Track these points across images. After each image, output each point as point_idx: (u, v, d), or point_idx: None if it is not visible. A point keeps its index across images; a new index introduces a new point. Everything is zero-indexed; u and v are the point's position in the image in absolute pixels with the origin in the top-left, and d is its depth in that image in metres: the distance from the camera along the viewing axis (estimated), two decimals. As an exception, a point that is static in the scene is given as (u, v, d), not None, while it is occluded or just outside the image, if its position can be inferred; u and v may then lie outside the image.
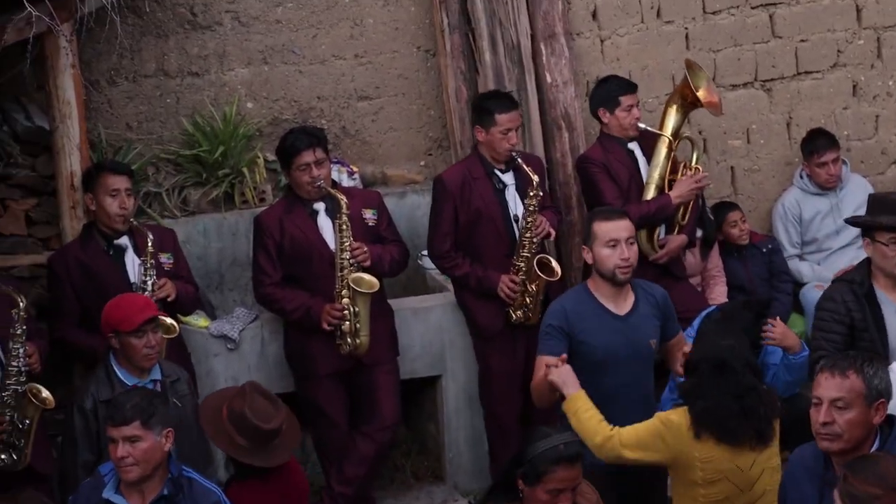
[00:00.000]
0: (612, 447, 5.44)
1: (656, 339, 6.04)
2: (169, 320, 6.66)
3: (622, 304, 6.00)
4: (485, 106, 7.27)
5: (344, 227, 6.94)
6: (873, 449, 4.59)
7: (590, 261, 6.02)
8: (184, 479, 5.33)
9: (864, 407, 4.57)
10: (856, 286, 6.31)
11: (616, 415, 5.62)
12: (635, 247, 6.04)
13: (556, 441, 5.06)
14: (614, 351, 5.87)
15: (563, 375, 5.65)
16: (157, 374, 6.15)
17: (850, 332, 6.24)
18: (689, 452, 5.39)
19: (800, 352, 5.96)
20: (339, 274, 6.94)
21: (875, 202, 6.52)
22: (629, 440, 5.43)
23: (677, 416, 5.42)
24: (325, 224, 7.05)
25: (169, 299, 6.77)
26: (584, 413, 5.54)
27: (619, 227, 5.97)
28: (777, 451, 5.54)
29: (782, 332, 6.02)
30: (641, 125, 7.57)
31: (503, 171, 7.32)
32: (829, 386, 4.59)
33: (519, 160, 7.22)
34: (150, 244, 6.74)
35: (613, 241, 5.93)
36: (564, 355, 5.76)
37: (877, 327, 6.23)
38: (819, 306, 6.43)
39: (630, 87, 7.62)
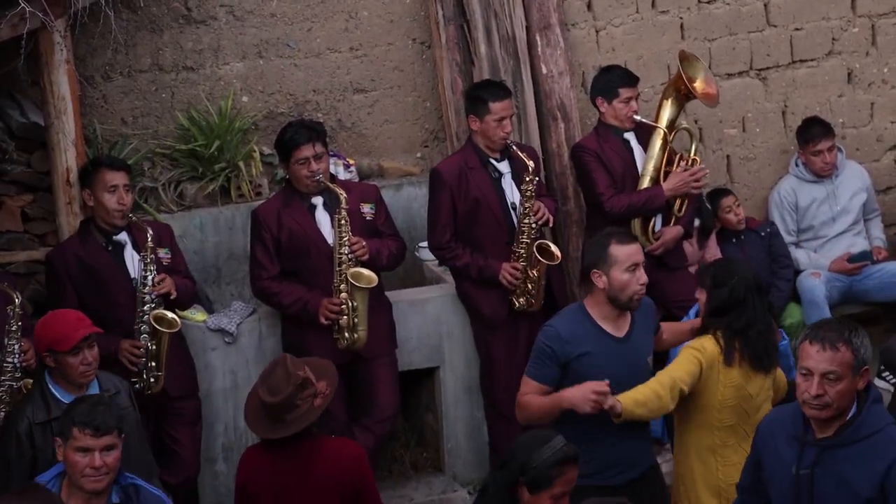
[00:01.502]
0: (675, 393, 5.63)
1: (651, 356, 5.96)
2: (170, 314, 6.68)
3: (622, 326, 5.78)
4: (478, 95, 7.28)
5: (343, 221, 6.94)
6: (851, 414, 4.68)
7: (601, 285, 5.68)
8: (131, 487, 5.23)
9: (851, 377, 4.66)
10: None
11: (614, 434, 5.63)
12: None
13: (558, 443, 5.02)
14: (614, 374, 5.63)
15: (610, 400, 5.55)
16: (94, 389, 5.91)
17: None
18: (716, 377, 5.70)
19: (779, 341, 6.00)
20: (338, 269, 6.95)
21: None
22: (682, 376, 5.65)
23: (710, 344, 5.74)
24: (322, 218, 7.06)
25: (171, 297, 6.77)
26: (641, 405, 5.58)
27: (638, 251, 5.74)
28: (772, 380, 5.85)
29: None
30: (637, 117, 7.57)
31: (499, 160, 7.33)
32: (820, 359, 4.63)
33: (514, 147, 7.24)
34: (149, 240, 6.74)
35: (634, 265, 5.69)
36: (607, 381, 5.60)
37: None
38: None
39: (631, 80, 7.62)
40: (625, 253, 5.68)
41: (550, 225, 7.37)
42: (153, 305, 6.72)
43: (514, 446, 5.10)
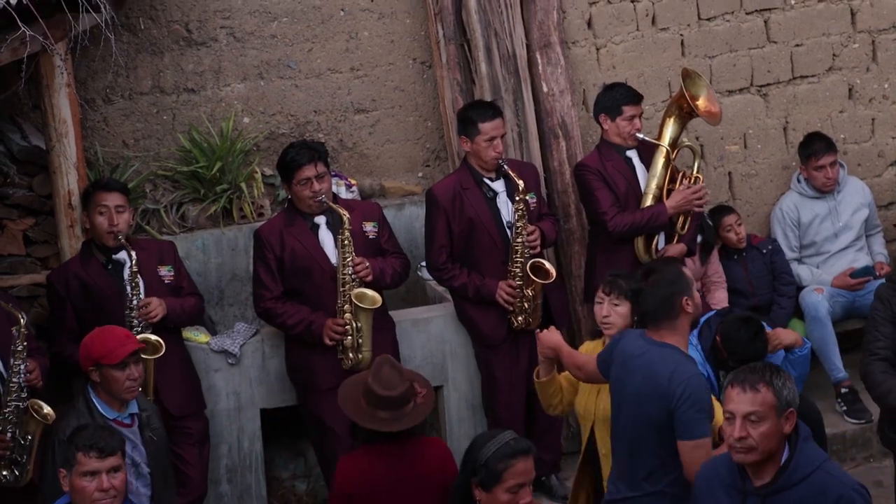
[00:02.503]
0: None
1: None
2: (154, 338, 6.64)
3: None
4: (468, 116, 7.30)
5: (346, 242, 6.94)
6: (784, 458, 4.66)
7: (690, 309, 5.48)
8: None
9: (775, 419, 4.64)
10: None
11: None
12: None
13: (504, 438, 5.03)
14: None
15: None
16: (134, 408, 6.07)
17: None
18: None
19: (802, 346, 5.99)
20: (342, 289, 6.94)
21: None
22: None
23: None
24: (326, 238, 7.06)
25: (155, 320, 6.74)
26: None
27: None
28: None
29: (782, 336, 6.05)
30: (640, 135, 7.57)
31: (493, 180, 7.34)
32: (741, 401, 4.65)
33: (506, 167, 7.24)
34: (133, 263, 6.73)
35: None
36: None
37: None
38: (871, 306, 6.46)
39: (635, 98, 7.61)
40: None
41: (538, 250, 7.34)
42: (139, 330, 6.71)
43: (467, 449, 5.13)
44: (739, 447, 4.64)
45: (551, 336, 5.85)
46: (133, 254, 6.73)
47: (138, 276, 6.75)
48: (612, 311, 5.95)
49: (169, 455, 6.23)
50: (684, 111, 7.59)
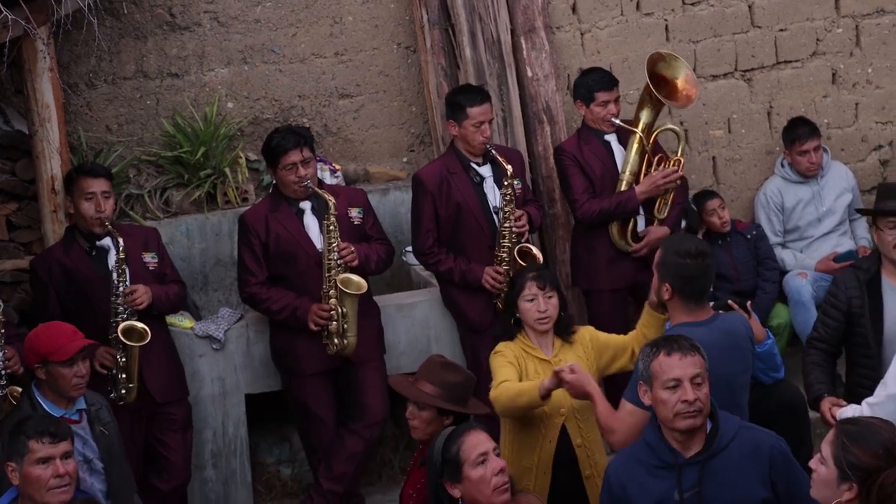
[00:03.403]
0: None
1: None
2: (140, 325, 6.62)
3: None
4: (456, 100, 7.29)
5: (332, 227, 6.93)
6: (709, 425, 4.73)
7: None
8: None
9: (707, 381, 4.74)
10: (860, 272, 6.33)
11: None
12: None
13: (446, 431, 4.95)
14: None
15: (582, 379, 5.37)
16: (81, 404, 5.88)
17: (846, 319, 6.27)
18: None
19: (764, 340, 5.98)
20: (327, 274, 6.94)
21: (882, 190, 6.59)
22: None
23: None
24: (311, 223, 7.05)
25: (141, 307, 6.72)
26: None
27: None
28: None
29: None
30: (616, 121, 7.57)
31: (480, 165, 7.33)
32: (685, 365, 4.71)
33: (493, 152, 7.24)
34: (120, 250, 6.71)
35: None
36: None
37: (873, 315, 6.23)
38: (827, 290, 6.50)
39: (608, 84, 7.61)
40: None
41: (526, 235, 7.35)
42: (125, 317, 6.69)
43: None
44: (691, 411, 4.67)
45: (583, 379, 5.39)
46: (120, 240, 6.70)
47: (125, 262, 6.73)
48: (549, 305, 5.88)
49: (123, 449, 6.07)
50: (653, 98, 7.61)
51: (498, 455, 4.87)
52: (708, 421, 4.76)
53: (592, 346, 5.94)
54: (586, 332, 6.02)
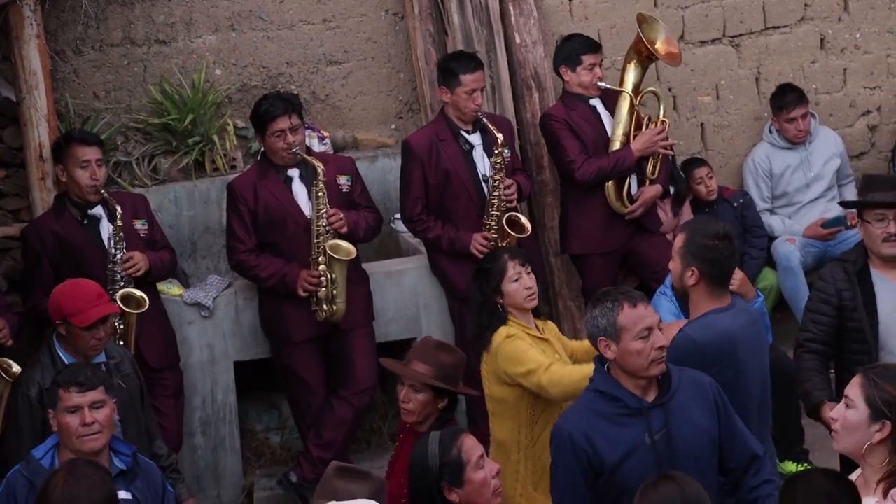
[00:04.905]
0: None
1: None
2: (138, 293, 6.63)
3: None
4: (449, 67, 7.27)
5: (321, 193, 6.93)
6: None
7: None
8: (132, 456, 5.23)
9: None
10: (848, 265, 6.10)
11: None
12: None
13: (435, 437, 4.76)
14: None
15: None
16: (101, 357, 5.95)
17: (838, 314, 6.05)
18: None
19: (754, 298, 5.99)
20: (316, 241, 6.94)
21: (867, 181, 6.36)
22: None
23: None
24: (299, 190, 7.04)
25: (138, 274, 6.73)
26: None
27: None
28: None
29: (740, 279, 6.06)
30: (602, 84, 7.57)
31: (470, 132, 7.33)
32: (649, 313, 4.82)
33: (484, 119, 7.23)
34: (118, 217, 6.70)
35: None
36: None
37: (867, 308, 6.03)
38: (812, 286, 6.34)
39: (593, 47, 7.62)
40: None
41: (514, 204, 7.33)
42: (122, 284, 6.69)
43: (410, 469, 4.81)
44: (661, 357, 4.80)
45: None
46: (118, 208, 6.70)
47: (121, 230, 6.72)
48: (532, 280, 5.86)
49: (147, 399, 6.14)
50: (643, 56, 7.61)
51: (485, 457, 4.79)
52: None
53: (558, 338, 5.98)
54: (552, 325, 6.07)
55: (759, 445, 4.99)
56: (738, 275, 6.07)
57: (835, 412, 4.36)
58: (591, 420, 4.81)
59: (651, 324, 4.80)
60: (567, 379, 5.52)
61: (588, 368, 5.21)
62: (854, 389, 4.30)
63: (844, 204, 7.62)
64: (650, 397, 4.83)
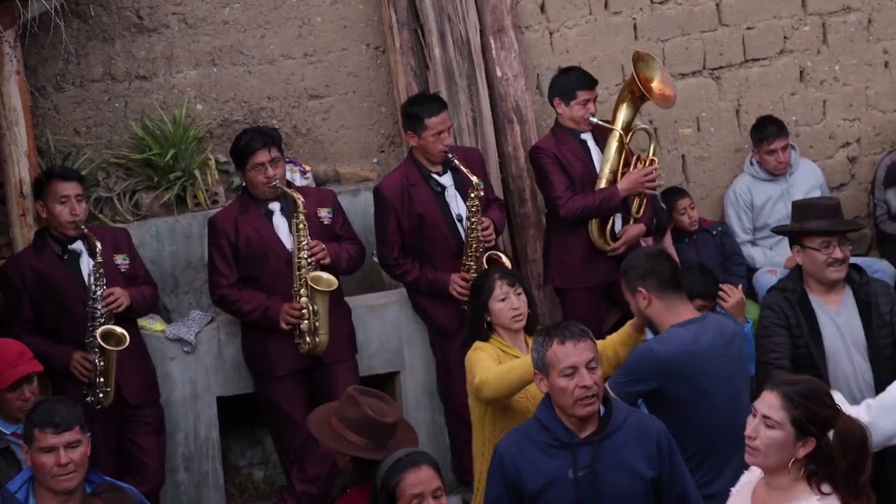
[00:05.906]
0: None
1: None
2: (119, 330, 6.60)
3: None
4: (413, 112, 7.27)
5: (301, 225, 6.93)
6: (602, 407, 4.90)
7: None
8: (106, 483, 5.18)
9: (601, 365, 4.92)
10: (788, 293, 6.28)
11: None
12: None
13: (397, 455, 4.65)
14: None
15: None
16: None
17: (791, 337, 6.21)
18: None
19: (743, 323, 6.02)
20: (297, 273, 6.93)
21: (799, 209, 6.50)
22: None
23: None
24: (280, 224, 7.04)
25: (119, 310, 6.71)
26: None
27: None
28: None
29: (736, 301, 6.12)
30: (594, 119, 7.59)
31: (440, 174, 7.32)
32: (580, 350, 4.82)
33: (456, 161, 7.22)
34: (98, 253, 6.68)
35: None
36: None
37: (812, 335, 6.21)
38: (760, 316, 6.45)
39: (589, 83, 7.63)
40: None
41: (492, 244, 7.34)
42: (102, 321, 6.66)
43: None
44: (589, 395, 4.79)
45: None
46: (98, 244, 6.67)
47: (102, 266, 6.70)
48: (521, 302, 5.89)
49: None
50: (636, 95, 7.62)
51: (437, 498, 4.56)
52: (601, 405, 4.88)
53: None
54: None
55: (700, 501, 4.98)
56: (736, 294, 6.14)
57: (751, 430, 4.41)
58: (523, 445, 4.88)
59: (576, 362, 4.78)
60: (492, 374, 5.59)
61: (515, 361, 5.45)
62: (776, 412, 4.37)
63: (778, 231, 7.10)
64: (585, 433, 4.83)
